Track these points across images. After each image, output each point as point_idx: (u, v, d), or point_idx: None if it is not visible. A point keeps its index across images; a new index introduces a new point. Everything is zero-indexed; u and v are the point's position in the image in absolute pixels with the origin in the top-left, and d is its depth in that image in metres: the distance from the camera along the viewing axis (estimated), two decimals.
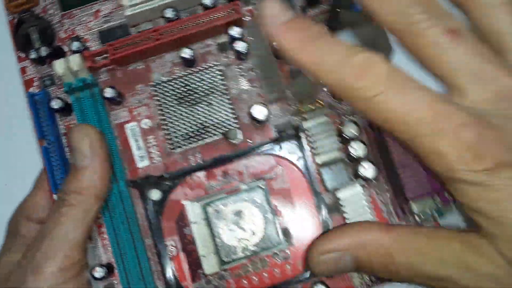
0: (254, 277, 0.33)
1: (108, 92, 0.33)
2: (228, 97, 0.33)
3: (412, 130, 0.20)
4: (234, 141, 0.33)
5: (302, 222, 0.33)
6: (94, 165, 0.29)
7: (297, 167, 0.33)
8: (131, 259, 0.32)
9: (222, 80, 0.33)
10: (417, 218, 0.30)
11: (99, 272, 0.31)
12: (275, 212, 0.33)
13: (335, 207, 0.32)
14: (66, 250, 0.28)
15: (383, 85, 0.19)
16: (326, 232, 0.32)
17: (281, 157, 0.34)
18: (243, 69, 0.34)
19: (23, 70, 0.35)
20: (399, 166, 0.30)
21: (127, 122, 0.34)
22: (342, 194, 0.31)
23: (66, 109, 0.33)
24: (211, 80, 0.33)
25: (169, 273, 0.32)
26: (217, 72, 0.33)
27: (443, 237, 0.23)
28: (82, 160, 0.29)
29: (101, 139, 0.30)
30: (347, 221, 0.31)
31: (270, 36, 0.22)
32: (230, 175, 0.34)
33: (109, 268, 0.32)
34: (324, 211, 0.33)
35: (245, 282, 0.33)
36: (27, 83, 0.35)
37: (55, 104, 0.33)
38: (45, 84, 0.34)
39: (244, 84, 0.34)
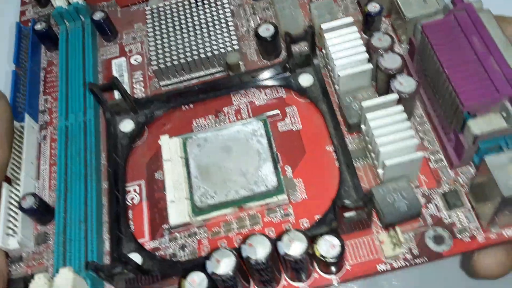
0: (238, 239, 0.22)
1: (97, 16, 0.29)
2: (232, 24, 0.27)
3: None
4: (234, 70, 0.27)
5: (313, 173, 0.24)
6: None
7: (313, 103, 0.25)
8: (75, 199, 0.24)
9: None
10: (476, 142, 0.20)
11: (27, 202, 0.23)
12: (277, 154, 0.24)
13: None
14: None
15: None
16: None
17: (292, 89, 0.26)
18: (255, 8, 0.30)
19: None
20: (448, 66, 0.21)
21: (116, 57, 0.29)
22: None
23: (52, 39, 0.29)
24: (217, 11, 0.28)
25: (123, 226, 0.23)
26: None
27: None
28: None
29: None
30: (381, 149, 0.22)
31: None
32: (224, 113, 0.26)
33: (45, 209, 0.24)
34: (343, 158, 0.23)
35: (224, 244, 0.22)
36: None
37: (39, 26, 0.29)
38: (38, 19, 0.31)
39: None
